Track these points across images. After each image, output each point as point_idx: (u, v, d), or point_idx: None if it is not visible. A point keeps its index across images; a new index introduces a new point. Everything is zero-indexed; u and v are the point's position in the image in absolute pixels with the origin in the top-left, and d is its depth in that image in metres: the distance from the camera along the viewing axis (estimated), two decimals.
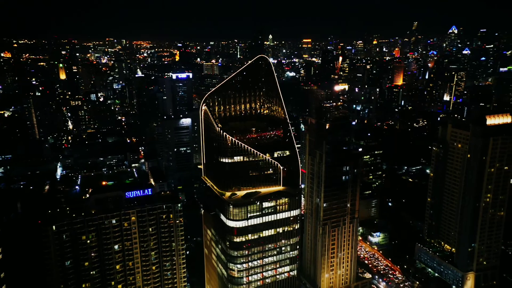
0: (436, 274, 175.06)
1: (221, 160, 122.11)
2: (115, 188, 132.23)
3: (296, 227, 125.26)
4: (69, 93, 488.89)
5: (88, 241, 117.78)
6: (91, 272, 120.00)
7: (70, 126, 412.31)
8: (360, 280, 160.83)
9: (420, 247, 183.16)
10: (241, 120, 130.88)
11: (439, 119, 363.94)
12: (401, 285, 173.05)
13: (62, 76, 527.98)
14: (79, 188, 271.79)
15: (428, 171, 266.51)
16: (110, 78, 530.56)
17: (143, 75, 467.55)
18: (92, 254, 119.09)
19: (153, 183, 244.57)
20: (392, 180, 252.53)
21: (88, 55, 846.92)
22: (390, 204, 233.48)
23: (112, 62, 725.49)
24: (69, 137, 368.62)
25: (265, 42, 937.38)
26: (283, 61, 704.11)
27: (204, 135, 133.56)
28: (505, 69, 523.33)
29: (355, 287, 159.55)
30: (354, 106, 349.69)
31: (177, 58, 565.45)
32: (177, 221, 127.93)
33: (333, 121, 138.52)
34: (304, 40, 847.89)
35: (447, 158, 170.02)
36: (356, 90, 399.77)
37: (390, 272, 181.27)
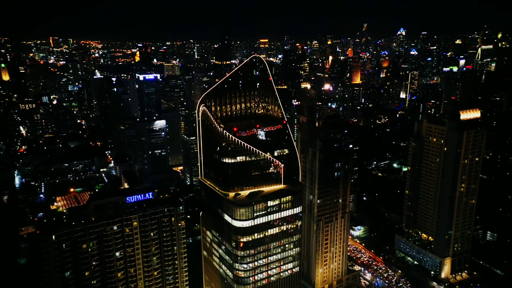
0: (416, 262, 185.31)
1: (223, 160, 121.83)
2: (115, 193, 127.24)
3: (299, 224, 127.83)
4: (15, 95, 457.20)
5: (89, 250, 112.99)
6: (92, 282, 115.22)
7: (23, 131, 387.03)
8: (351, 272, 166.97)
9: (399, 237, 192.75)
10: (239, 120, 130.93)
11: (398, 115, 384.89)
12: (385, 275, 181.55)
13: (5, 77, 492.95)
14: (44, 197, 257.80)
15: (395, 165, 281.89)
16: (63, 80, 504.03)
17: (102, 77, 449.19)
18: (93, 262, 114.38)
19: (127, 187, 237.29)
20: (364, 175, 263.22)
21: (31, 54, 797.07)
22: (365, 198, 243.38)
23: (61, 62, 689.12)
24: (24, 144, 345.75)
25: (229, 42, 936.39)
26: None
27: (202, 136, 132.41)
28: (447, 69, 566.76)
29: (346, 280, 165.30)
30: (329, 104, 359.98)
31: (137, 58, 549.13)
32: (179, 224, 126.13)
33: (325, 119, 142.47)
34: (261, 40, 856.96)
35: (423, 152, 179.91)
36: (331, 89, 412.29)
37: (374, 263, 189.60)
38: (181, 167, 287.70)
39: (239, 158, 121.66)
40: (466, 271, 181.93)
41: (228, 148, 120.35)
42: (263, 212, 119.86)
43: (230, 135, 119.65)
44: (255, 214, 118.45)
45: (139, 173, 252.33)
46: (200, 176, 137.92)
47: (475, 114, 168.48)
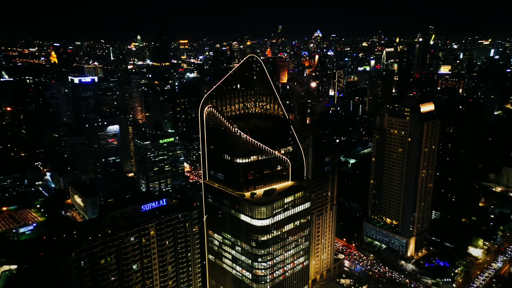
0: (383, 245, 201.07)
1: (237, 161, 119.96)
2: (129, 202, 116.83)
3: (309, 218, 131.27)
4: None
5: (108, 265, 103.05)
6: None
7: None
8: (337, 261, 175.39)
9: (367, 224, 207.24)
10: (241, 119, 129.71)
11: (331, 112, 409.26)
12: (360, 260, 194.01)
13: None
14: None
15: (342, 158, 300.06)
16: None
17: (11, 79, 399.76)
18: (111, 278, 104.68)
19: (78, 200, 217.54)
20: None
21: None
22: None
23: None
24: None
25: (133, 44, 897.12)
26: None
27: (208, 138, 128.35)
28: (362, 68, 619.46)
29: (334, 268, 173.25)
30: (288, 102, 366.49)
31: (53, 59, 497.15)
32: (193, 229, 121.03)
33: (317, 115, 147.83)
34: (181, 41, 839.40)
35: (386, 143, 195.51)
36: (288, 88, 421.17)
37: (348, 250, 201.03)
38: (132, 174, 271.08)
39: (252, 158, 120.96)
40: (425, 248, 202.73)
41: (242, 148, 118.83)
42: (281, 209, 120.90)
43: (244, 135, 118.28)
44: (274, 212, 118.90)
45: (91, 182, 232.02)
46: (204, 179, 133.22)
47: (430, 107, 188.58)
